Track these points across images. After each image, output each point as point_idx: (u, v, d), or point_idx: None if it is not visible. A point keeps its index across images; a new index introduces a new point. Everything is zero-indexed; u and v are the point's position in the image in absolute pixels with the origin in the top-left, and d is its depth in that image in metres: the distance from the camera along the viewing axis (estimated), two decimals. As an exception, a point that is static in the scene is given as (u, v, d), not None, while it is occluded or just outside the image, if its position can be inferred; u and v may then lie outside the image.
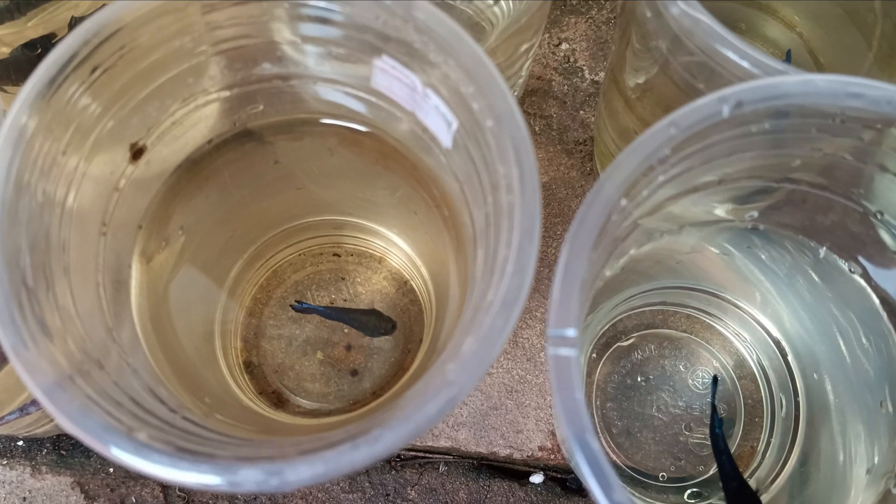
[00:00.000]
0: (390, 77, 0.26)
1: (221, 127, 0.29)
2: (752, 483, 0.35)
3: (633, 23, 0.32)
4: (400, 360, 0.39)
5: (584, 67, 0.46)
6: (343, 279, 0.41)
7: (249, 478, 0.19)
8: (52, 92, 0.22)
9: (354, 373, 0.39)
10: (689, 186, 0.26)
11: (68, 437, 0.44)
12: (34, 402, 0.34)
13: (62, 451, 0.43)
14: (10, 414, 0.32)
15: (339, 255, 0.41)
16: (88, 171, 0.25)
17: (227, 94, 0.28)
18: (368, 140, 0.30)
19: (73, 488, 0.43)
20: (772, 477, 0.35)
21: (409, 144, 0.29)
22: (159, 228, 0.29)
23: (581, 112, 0.45)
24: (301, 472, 0.20)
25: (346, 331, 0.40)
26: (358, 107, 0.29)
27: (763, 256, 0.32)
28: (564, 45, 0.46)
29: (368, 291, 0.40)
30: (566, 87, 0.46)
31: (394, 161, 0.31)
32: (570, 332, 0.22)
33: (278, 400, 0.38)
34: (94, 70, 0.23)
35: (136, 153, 0.26)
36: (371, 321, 0.37)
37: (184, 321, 0.32)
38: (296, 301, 0.38)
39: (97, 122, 0.24)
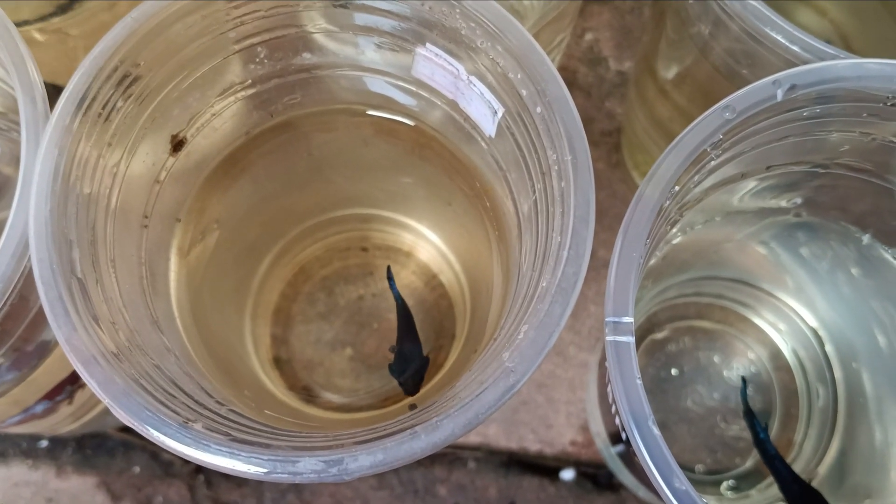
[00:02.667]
0: (433, 65, 0.26)
1: (259, 118, 0.29)
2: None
3: (670, 9, 0.31)
4: (432, 357, 0.39)
5: (609, 57, 0.46)
6: (371, 274, 0.40)
7: (308, 467, 0.19)
8: (95, 89, 0.22)
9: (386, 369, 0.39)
10: (737, 173, 0.26)
11: (92, 436, 0.44)
12: (40, 402, 0.33)
13: (87, 450, 0.43)
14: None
15: (367, 250, 0.40)
16: (131, 165, 0.24)
17: (266, 85, 0.27)
18: (405, 129, 0.30)
19: (98, 488, 0.42)
20: (811, 467, 0.35)
21: (447, 133, 0.29)
22: (196, 221, 0.29)
23: (606, 103, 0.45)
24: (361, 461, 0.19)
25: (375, 326, 0.40)
26: (396, 95, 0.29)
27: (804, 252, 0.32)
28: (589, 35, 0.46)
29: (398, 286, 0.40)
30: (591, 77, 0.45)
31: (430, 150, 0.30)
32: (627, 319, 0.21)
33: (308, 395, 0.38)
34: (135, 65, 0.23)
35: (177, 145, 0.26)
36: (409, 356, 0.34)
37: (218, 316, 0.31)
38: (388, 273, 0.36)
39: (139, 115, 0.24)
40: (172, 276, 0.28)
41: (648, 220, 0.22)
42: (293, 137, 0.30)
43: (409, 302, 0.40)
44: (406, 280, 0.40)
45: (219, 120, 0.27)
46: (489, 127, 0.26)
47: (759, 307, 0.37)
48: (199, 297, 0.30)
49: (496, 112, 0.25)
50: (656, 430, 0.20)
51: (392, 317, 0.40)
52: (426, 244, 0.39)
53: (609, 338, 0.21)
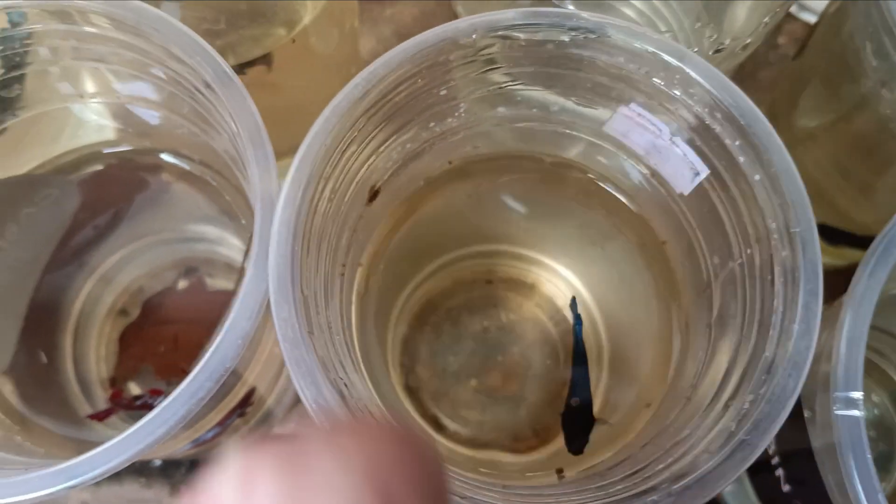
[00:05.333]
0: (632, 123, 0.26)
1: (438, 165, 0.29)
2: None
3: (828, 60, 0.32)
4: (559, 392, 0.39)
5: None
6: (496, 306, 0.40)
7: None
8: (331, 144, 0.23)
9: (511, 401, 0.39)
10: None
11: (205, 458, 0.44)
12: (211, 429, 0.34)
13: (201, 469, 0.43)
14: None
15: (491, 282, 0.41)
16: (347, 214, 0.25)
17: (455, 136, 0.28)
18: (575, 178, 0.30)
19: (212, 509, 0.43)
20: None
21: (622, 184, 0.29)
22: (371, 264, 0.29)
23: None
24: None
25: (499, 359, 0.40)
26: (574, 146, 0.29)
27: None
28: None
29: (521, 319, 0.40)
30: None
31: (597, 199, 0.31)
32: (857, 394, 0.22)
33: (436, 425, 0.39)
34: (371, 114, 0.23)
35: (373, 196, 0.26)
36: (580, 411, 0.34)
37: (374, 353, 0.32)
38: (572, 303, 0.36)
39: (359, 169, 0.24)
40: (354, 319, 0.28)
41: (876, 293, 0.22)
42: (461, 181, 0.31)
43: (533, 334, 0.40)
44: (530, 313, 0.41)
45: (405, 170, 0.27)
46: (685, 186, 0.26)
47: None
48: (365, 337, 0.30)
49: (698, 173, 0.25)
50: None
51: (517, 350, 0.40)
52: (553, 277, 0.39)
53: (839, 412, 0.22)
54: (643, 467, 0.23)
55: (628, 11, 0.34)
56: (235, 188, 0.31)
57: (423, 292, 0.40)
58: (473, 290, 0.41)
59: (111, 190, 0.34)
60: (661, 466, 0.22)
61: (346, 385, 0.22)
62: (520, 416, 0.39)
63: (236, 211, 0.31)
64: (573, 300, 0.32)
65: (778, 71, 0.44)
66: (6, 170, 0.30)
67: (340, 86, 0.38)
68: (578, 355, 0.33)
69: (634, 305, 0.32)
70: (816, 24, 0.35)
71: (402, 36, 0.49)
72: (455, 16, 0.46)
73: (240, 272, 0.36)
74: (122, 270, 0.38)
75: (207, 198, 0.33)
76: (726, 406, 0.22)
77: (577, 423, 0.35)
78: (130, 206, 0.35)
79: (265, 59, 0.32)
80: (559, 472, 0.32)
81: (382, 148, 0.25)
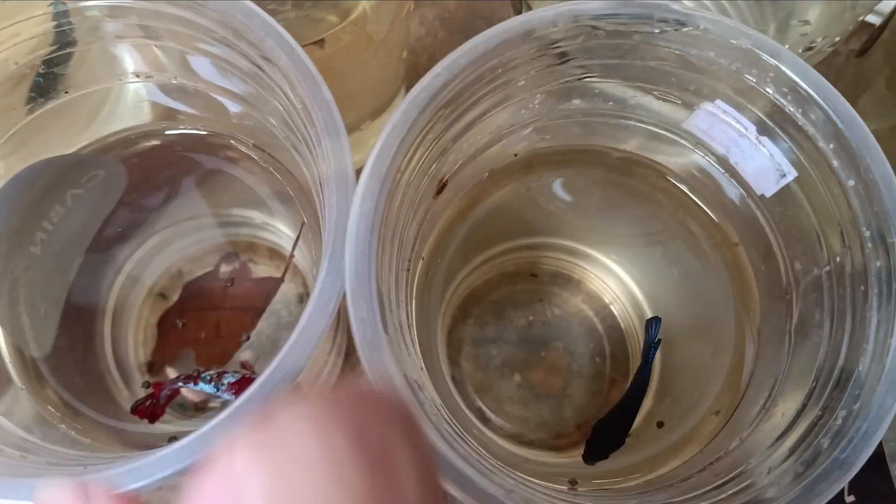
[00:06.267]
0: (716, 120, 0.25)
1: (503, 157, 0.28)
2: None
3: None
4: (604, 391, 0.38)
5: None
6: (541, 301, 0.40)
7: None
8: (410, 136, 0.22)
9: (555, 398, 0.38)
10: None
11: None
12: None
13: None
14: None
15: (537, 276, 0.40)
16: (417, 208, 0.24)
17: (525, 130, 0.26)
18: (643, 172, 0.29)
19: None
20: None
21: (693, 182, 0.28)
22: (431, 258, 0.28)
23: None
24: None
25: (542, 354, 0.39)
26: (651, 142, 0.28)
27: None
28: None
29: (566, 314, 0.40)
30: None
31: (665, 194, 0.30)
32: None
33: (482, 418, 0.38)
34: (449, 105, 0.22)
35: (441, 188, 0.25)
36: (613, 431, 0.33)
37: (428, 347, 0.31)
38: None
39: (433, 161, 0.23)
40: (414, 315, 0.27)
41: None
42: (523, 174, 0.30)
43: (578, 328, 0.39)
44: (576, 308, 0.40)
45: (474, 162, 0.26)
46: (768, 187, 0.25)
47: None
48: (424, 330, 0.29)
49: (785, 175, 0.24)
50: None
51: (560, 346, 0.40)
52: (602, 273, 0.38)
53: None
54: (725, 482, 0.22)
55: (711, 5, 0.32)
56: (288, 171, 0.29)
57: (468, 284, 0.39)
58: (518, 283, 0.40)
59: (157, 172, 0.33)
60: (746, 483, 0.22)
61: (419, 386, 0.21)
62: (564, 414, 0.38)
63: (290, 194, 0.30)
64: (655, 322, 0.31)
65: (835, 70, 0.42)
66: (54, 149, 0.29)
67: (390, 70, 0.37)
68: (641, 381, 0.32)
69: (697, 307, 0.31)
70: (883, 26, 0.34)
71: (445, 20, 0.47)
72: (504, -1, 0.44)
73: (288, 259, 0.35)
74: (161, 253, 0.37)
75: (255, 181, 0.32)
76: (816, 421, 0.22)
77: (605, 439, 0.34)
78: (176, 189, 0.34)
79: (318, 43, 0.31)
80: (572, 483, 0.31)
81: (456, 140, 0.24)
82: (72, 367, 0.32)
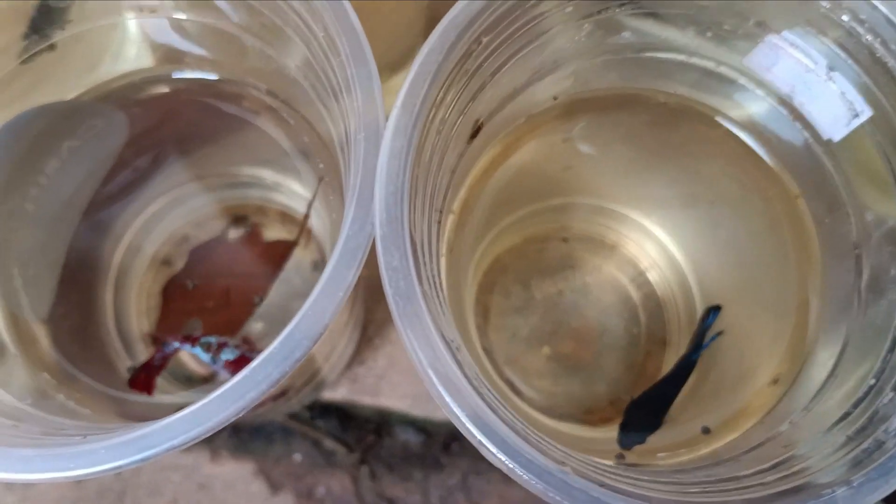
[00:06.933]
0: (781, 55, 0.23)
1: (541, 100, 0.25)
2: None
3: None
4: (639, 363, 0.36)
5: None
6: (571, 268, 0.37)
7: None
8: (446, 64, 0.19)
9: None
10: None
11: (246, 424, 0.41)
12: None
13: (243, 434, 0.40)
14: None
15: (567, 241, 0.37)
16: (451, 151, 0.21)
17: (570, 68, 0.24)
18: (692, 119, 0.27)
19: (255, 476, 0.40)
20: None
21: (749, 128, 0.26)
22: (461, 213, 0.26)
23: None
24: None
25: (573, 325, 0.37)
26: (701, 83, 0.25)
27: None
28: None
29: (599, 281, 0.37)
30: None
31: (713, 145, 0.27)
32: None
33: (514, 390, 0.36)
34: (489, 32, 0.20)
35: (475, 132, 0.23)
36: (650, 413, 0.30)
37: (459, 313, 0.28)
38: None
39: (469, 99, 0.21)
40: (443, 276, 0.25)
41: None
42: (561, 121, 0.27)
43: (611, 297, 0.37)
44: (609, 276, 0.37)
45: (511, 103, 0.24)
46: (836, 130, 0.23)
47: None
48: (454, 293, 0.27)
49: (857, 115, 0.22)
50: None
51: (591, 315, 0.37)
52: (639, 237, 0.36)
53: None
54: (787, 459, 0.20)
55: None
56: (306, 120, 0.27)
57: (496, 248, 0.36)
58: (547, 248, 0.37)
59: (160, 124, 0.30)
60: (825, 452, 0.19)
61: (457, 348, 0.19)
62: (595, 389, 0.36)
63: (307, 148, 0.27)
64: (714, 311, 0.28)
65: None
66: (49, 94, 0.26)
67: (409, 16, 0.35)
68: (686, 367, 0.30)
69: (748, 270, 0.28)
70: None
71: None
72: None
73: (304, 219, 0.33)
74: (165, 217, 0.35)
75: (270, 134, 0.29)
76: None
77: (642, 419, 0.32)
78: (179, 144, 0.32)
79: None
80: (619, 457, 0.29)
81: (495, 74, 0.21)
82: (71, 335, 0.30)
